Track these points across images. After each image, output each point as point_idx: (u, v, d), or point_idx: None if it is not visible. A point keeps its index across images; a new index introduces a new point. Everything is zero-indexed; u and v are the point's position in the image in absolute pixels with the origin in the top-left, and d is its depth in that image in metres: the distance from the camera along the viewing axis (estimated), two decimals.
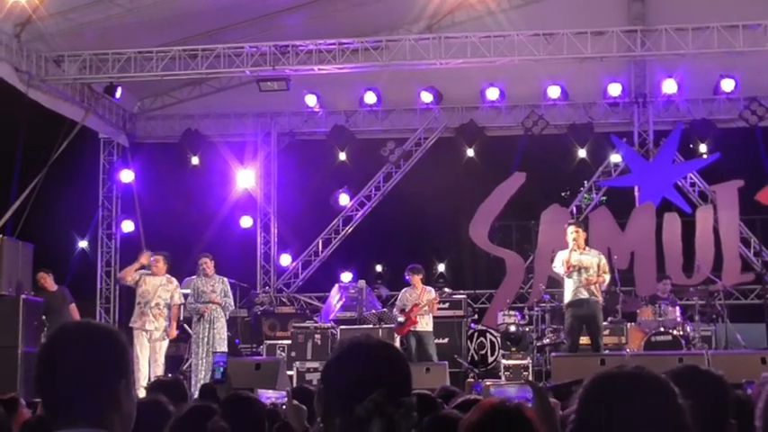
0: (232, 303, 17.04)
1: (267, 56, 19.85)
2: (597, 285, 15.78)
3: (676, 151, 22.29)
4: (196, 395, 9.43)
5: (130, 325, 16.47)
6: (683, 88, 21.86)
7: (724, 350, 17.85)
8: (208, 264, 16.79)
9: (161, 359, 16.42)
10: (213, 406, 4.66)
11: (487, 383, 13.87)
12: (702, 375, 3.62)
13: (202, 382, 14.30)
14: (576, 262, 15.76)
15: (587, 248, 16.15)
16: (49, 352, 3.04)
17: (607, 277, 16.04)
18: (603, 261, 16.05)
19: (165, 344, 16.65)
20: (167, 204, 23.34)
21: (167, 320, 16.48)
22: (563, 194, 23.51)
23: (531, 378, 16.03)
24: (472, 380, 15.85)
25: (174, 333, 16.81)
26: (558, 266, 16.03)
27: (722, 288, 19.77)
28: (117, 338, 3.10)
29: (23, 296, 16.11)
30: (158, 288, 16.50)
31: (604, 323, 18.07)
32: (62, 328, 3.12)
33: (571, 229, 16.16)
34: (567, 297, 16.00)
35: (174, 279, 16.78)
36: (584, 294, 15.70)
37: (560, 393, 6.32)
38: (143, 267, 16.90)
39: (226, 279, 17.01)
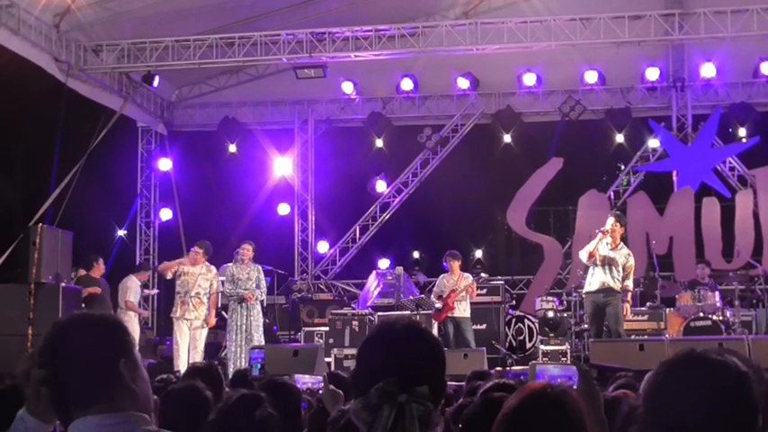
0: (264, 293, 17.07)
1: (304, 43, 19.89)
2: (618, 280, 15.50)
3: (715, 135, 22.13)
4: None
5: (171, 315, 16.68)
6: (722, 72, 21.67)
7: (764, 335, 17.71)
8: (247, 250, 16.81)
9: (201, 347, 16.53)
10: (262, 395, 4.69)
11: (533, 362, 13.86)
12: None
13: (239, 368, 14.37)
14: (603, 256, 15.39)
15: (621, 245, 15.69)
16: (48, 345, 3.03)
17: (630, 283, 15.69)
18: (631, 262, 15.51)
19: (205, 332, 16.76)
20: (205, 192, 23.45)
21: (207, 309, 16.57)
22: (602, 179, 23.36)
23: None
24: (500, 368, 15.76)
25: (213, 321, 16.90)
26: (583, 254, 15.66)
27: (762, 273, 19.63)
28: (111, 321, 3.12)
29: (63, 284, 16.18)
30: (198, 277, 16.56)
31: (643, 308, 18.01)
32: (57, 322, 3.11)
33: (611, 220, 15.67)
34: (588, 286, 15.75)
35: (212, 267, 16.84)
36: (605, 286, 15.38)
37: (603, 377, 6.27)
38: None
39: (260, 267, 17.05)
